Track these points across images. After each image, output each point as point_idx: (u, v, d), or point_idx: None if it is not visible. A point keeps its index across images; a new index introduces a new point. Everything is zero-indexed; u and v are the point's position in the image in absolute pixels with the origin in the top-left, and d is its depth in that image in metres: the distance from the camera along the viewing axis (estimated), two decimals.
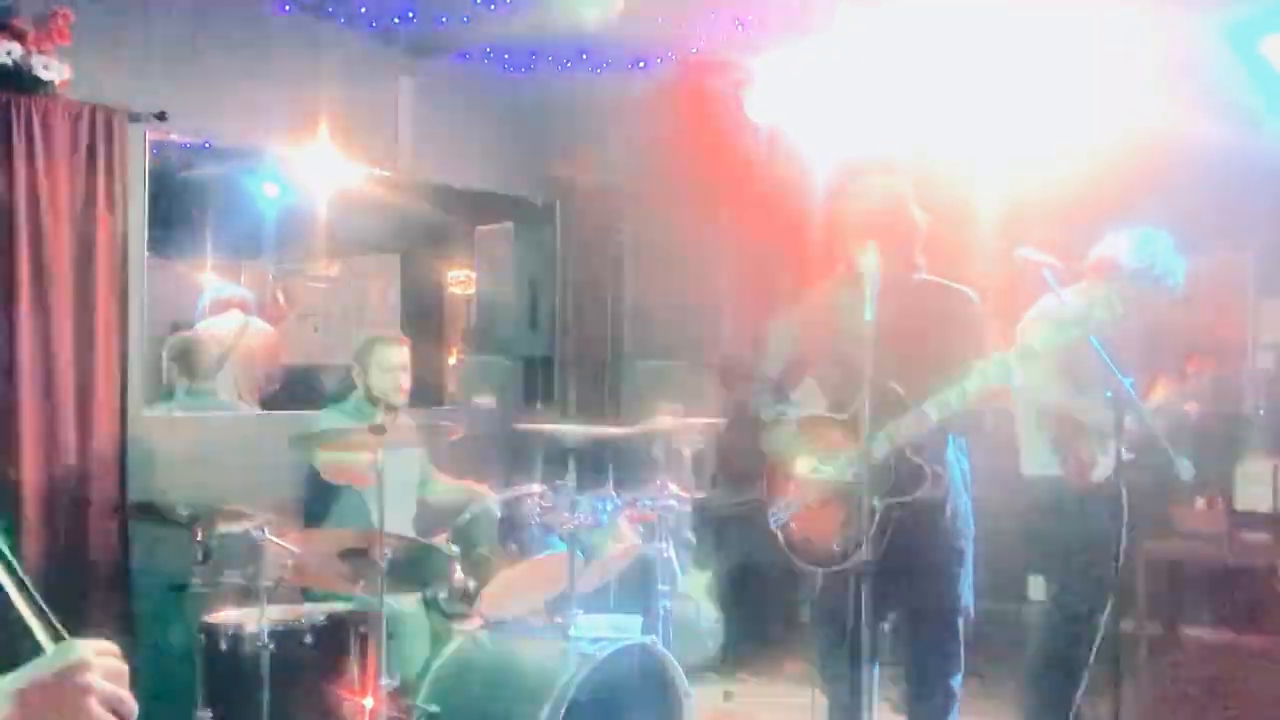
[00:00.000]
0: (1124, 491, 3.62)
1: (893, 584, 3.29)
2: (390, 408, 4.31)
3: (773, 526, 3.52)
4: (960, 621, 3.43)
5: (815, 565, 3.45)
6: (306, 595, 3.87)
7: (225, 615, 3.55)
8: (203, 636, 3.43)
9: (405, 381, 4.35)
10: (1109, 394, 3.37)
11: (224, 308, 5.90)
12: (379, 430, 3.39)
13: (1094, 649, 3.80)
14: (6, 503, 3.98)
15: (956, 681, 3.46)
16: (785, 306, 3.89)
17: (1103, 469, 3.75)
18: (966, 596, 3.43)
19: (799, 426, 3.48)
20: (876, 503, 3.21)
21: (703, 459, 5.43)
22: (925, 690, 3.48)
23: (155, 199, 4.49)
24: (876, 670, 3.53)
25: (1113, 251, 3.84)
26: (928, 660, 3.47)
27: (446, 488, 4.51)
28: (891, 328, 3.23)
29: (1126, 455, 3.42)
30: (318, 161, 5.10)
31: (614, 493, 3.85)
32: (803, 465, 3.43)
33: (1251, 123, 4.72)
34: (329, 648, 3.49)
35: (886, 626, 3.52)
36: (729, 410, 5.79)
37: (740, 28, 5.07)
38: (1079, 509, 3.76)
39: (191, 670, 3.40)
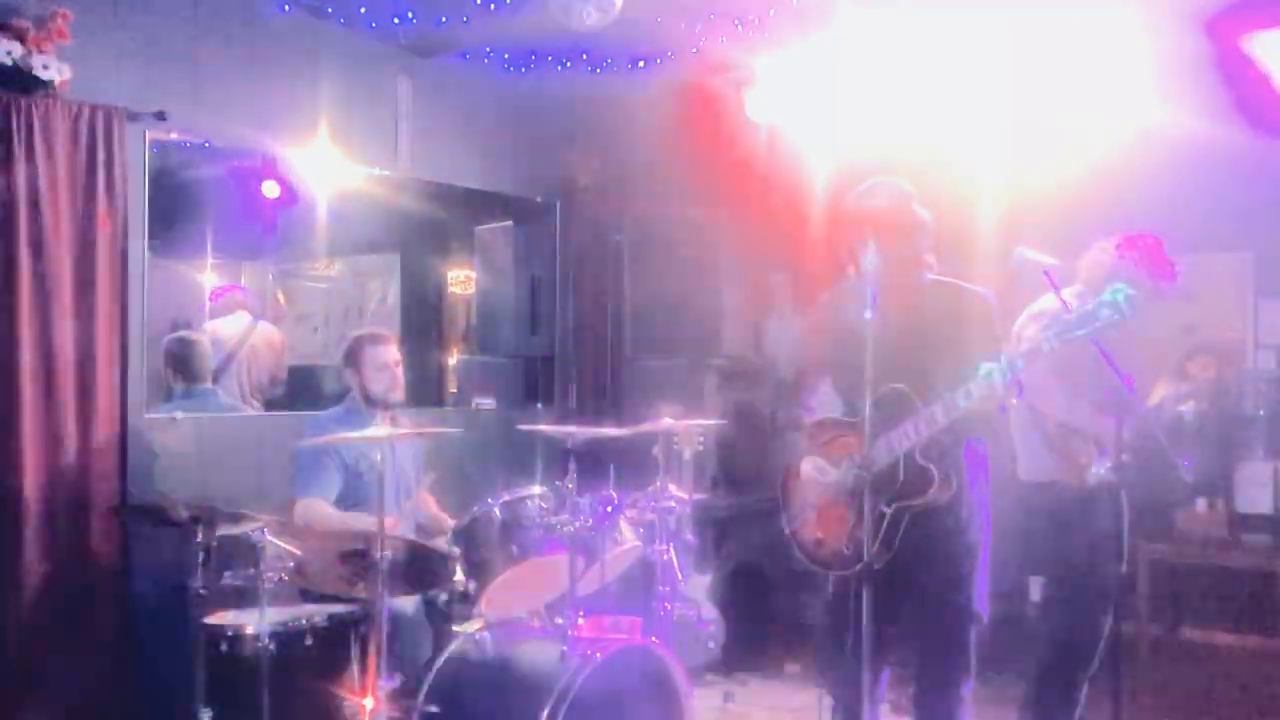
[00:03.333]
0: (1124, 494, 3.63)
1: (903, 587, 3.28)
2: (388, 407, 4.30)
3: (785, 529, 3.52)
4: (972, 628, 3.40)
5: (826, 568, 3.45)
6: (306, 595, 3.87)
7: (225, 616, 3.54)
8: (203, 637, 3.42)
9: (400, 377, 4.35)
10: (1108, 395, 3.37)
11: (231, 308, 5.91)
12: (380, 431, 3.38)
13: (1098, 652, 3.80)
14: (7, 503, 3.98)
15: (967, 688, 3.42)
16: (801, 309, 3.90)
17: (1101, 472, 3.74)
18: (979, 603, 3.39)
19: (814, 429, 3.47)
20: (885, 506, 3.21)
21: (703, 460, 5.41)
22: (933, 696, 3.46)
23: (155, 199, 4.49)
24: (885, 674, 3.53)
25: (1103, 255, 3.83)
26: (937, 666, 3.44)
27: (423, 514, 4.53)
28: (904, 329, 3.23)
29: (1126, 457, 3.42)
30: (318, 161, 5.10)
31: (614, 494, 3.84)
32: (816, 467, 3.42)
33: (1251, 123, 4.72)
34: (329, 648, 3.49)
35: (895, 630, 3.49)
36: (729, 411, 5.79)
37: (740, 28, 5.06)
38: (1079, 512, 3.75)
39: (191, 671, 3.40)
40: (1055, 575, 3.98)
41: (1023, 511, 3.88)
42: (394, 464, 4.21)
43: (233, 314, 5.86)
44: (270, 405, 5.55)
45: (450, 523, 4.08)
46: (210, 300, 6.00)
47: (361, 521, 3.97)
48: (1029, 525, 3.89)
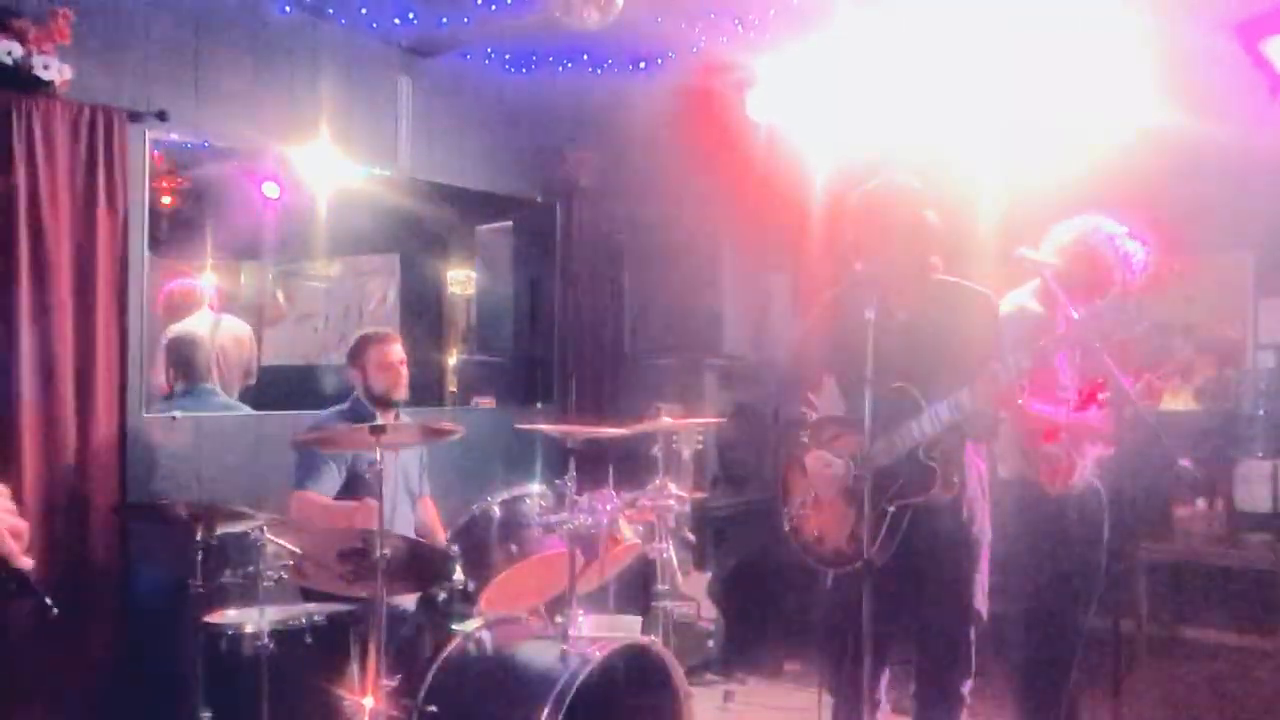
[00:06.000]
0: (1102, 492, 3.62)
1: (903, 585, 3.28)
2: (390, 406, 4.32)
3: (785, 525, 3.52)
4: (972, 627, 3.39)
5: (826, 565, 3.45)
6: (306, 594, 3.88)
7: (225, 615, 3.54)
8: (203, 637, 3.42)
9: (404, 376, 4.36)
10: (1108, 394, 3.37)
11: (190, 307, 5.36)
12: (379, 430, 3.38)
13: (1075, 651, 3.79)
14: None
15: (965, 687, 3.43)
16: (801, 309, 3.89)
17: (1080, 471, 3.72)
18: (979, 601, 3.39)
19: (816, 427, 3.47)
20: (887, 504, 3.21)
21: (703, 459, 5.42)
22: (933, 694, 3.46)
23: (155, 199, 4.48)
24: (886, 672, 3.53)
25: (1055, 246, 3.79)
26: (937, 664, 3.44)
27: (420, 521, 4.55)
28: (908, 328, 3.23)
29: (1113, 454, 3.42)
30: (318, 161, 5.10)
31: (614, 493, 3.85)
32: (817, 465, 3.43)
33: (1251, 123, 4.72)
34: (329, 648, 3.49)
35: (895, 629, 3.49)
36: (730, 410, 5.80)
37: (741, 28, 5.07)
38: (1056, 511, 3.73)
39: (191, 670, 3.40)
40: (1036, 572, 3.95)
41: (1004, 509, 3.86)
42: (395, 462, 4.22)
43: (192, 313, 5.31)
44: (264, 404, 5.49)
45: (443, 539, 4.08)
46: (161, 299, 5.24)
47: (353, 510, 3.97)
48: (1010, 523, 3.88)
